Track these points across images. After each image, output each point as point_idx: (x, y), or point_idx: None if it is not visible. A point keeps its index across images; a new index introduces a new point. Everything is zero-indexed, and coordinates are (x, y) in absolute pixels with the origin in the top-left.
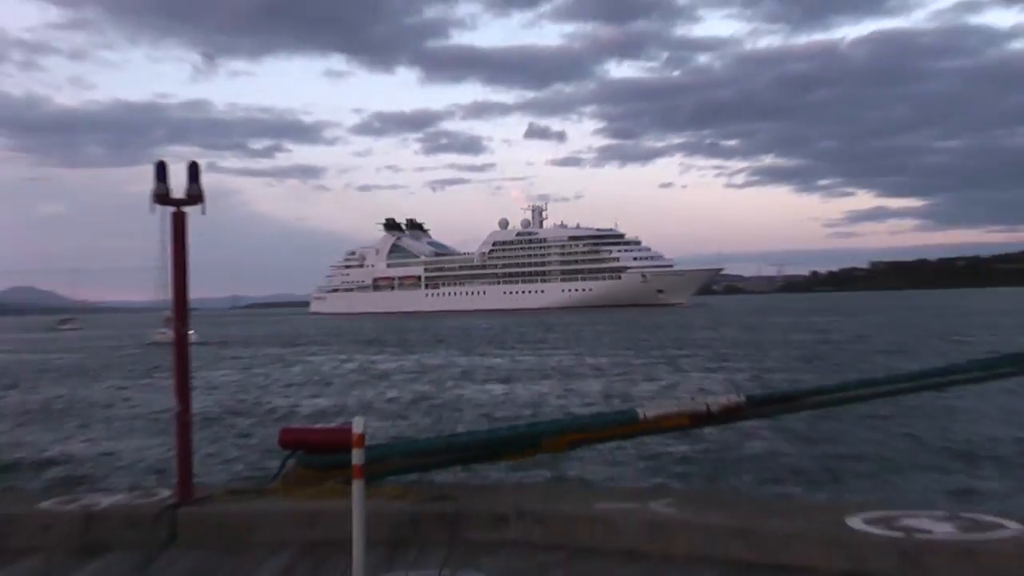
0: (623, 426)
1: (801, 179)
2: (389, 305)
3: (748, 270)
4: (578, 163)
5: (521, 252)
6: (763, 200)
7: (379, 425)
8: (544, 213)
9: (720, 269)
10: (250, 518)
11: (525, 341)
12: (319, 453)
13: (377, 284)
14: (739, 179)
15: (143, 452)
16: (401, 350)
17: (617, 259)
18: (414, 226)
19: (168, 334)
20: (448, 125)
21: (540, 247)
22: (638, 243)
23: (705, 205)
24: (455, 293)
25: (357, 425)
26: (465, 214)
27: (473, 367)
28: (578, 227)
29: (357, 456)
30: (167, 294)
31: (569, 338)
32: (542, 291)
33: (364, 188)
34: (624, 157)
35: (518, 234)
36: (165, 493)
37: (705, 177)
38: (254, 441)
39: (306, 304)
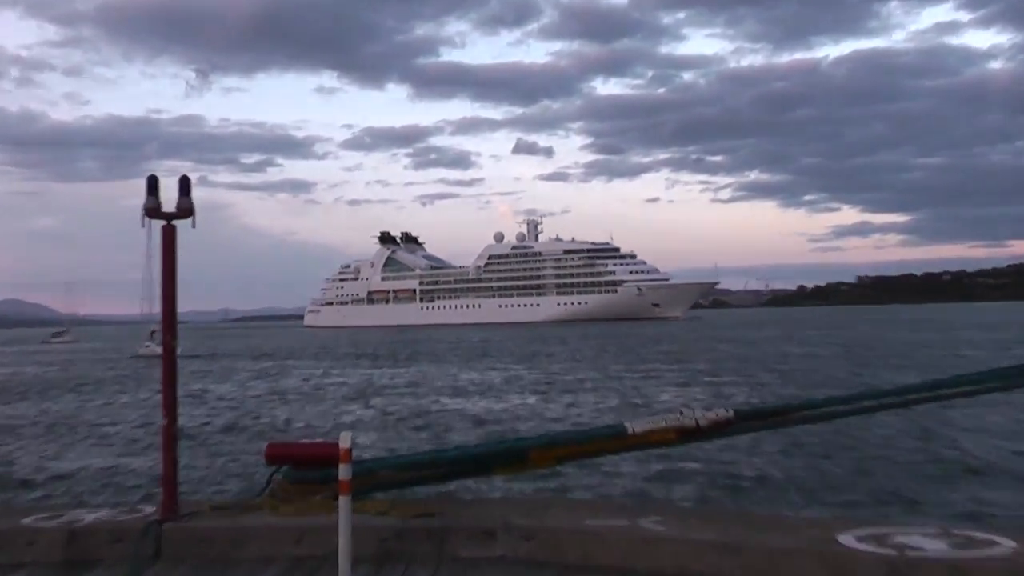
0: (611, 440)
1: (786, 194)
2: (384, 318)
3: (735, 284)
4: (565, 178)
5: (516, 266)
6: (749, 215)
7: (369, 439)
8: (539, 227)
9: (715, 283)
10: (236, 534)
11: (519, 355)
12: (306, 468)
13: (372, 297)
14: (725, 194)
15: (131, 467)
16: (395, 363)
17: (613, 273)
18: (409, 239)
19: (153, 347)
20: (437, 141)
21: (535, 261)
22: (633, 257)
23: (692, 220)
24: (450, 307)
25: (344, 439)
26: (454, 228)
27: (466, 381)
28: (573, 241)
29: (344, 471)
30: (153, 307)
31: (564, 352)
32: (537, 305)
33: (354, 203)
34: (611, 172)
35: (513, 248)
36: (150, 509)
37: (691, 192)
38: (243, 456)
39: (297, 317)
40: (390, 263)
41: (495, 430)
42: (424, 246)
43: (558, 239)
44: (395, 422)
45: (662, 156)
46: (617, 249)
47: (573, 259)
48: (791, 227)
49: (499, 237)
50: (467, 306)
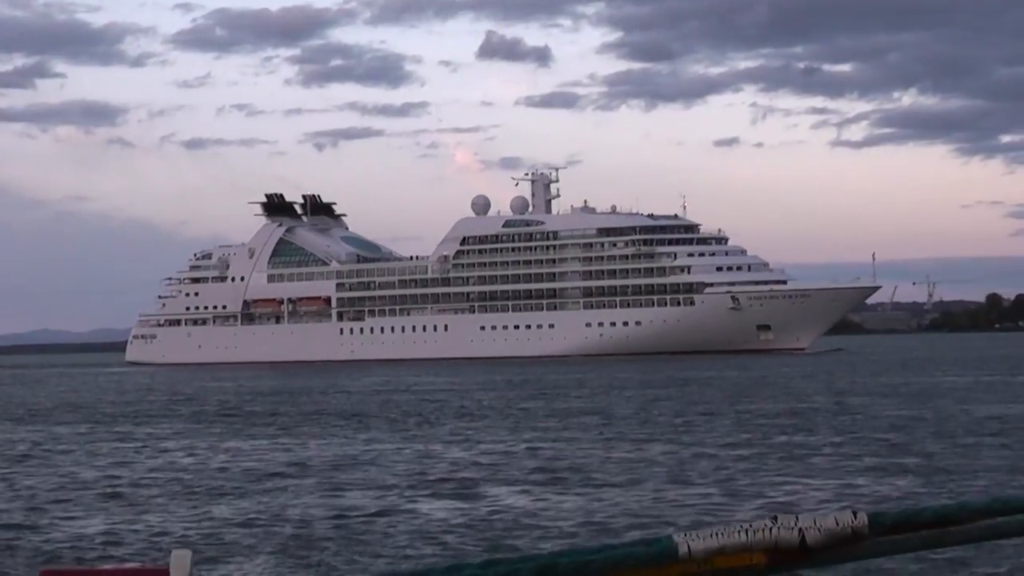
0: (651, 567)
1: (969, 132)
2: (274, 349)
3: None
4: (573, 103)
5: (513, 256)
6: (900, 169)
7: (235, 567)
8: (554, 187)
9: (875, 287)
10: None
11: (516, 417)
12: None
13: (252, 311)
14: (856, 132)
15: None
16: (285, 431)
17: (687, 268)
18: (318, 208)
19: None
20: (344, 34)
21: (548, 247)
22: (723, 240)
23: (795, 177)
24: (392, 328)
25: (178, 563)
26: (380, 190)
27: (419, 464)
28: (615, 212)
29: None
30: None
31: (595, 410)
32: (551, 325)
33: (194, 144)
34: (653, 94)
35: (507, 224)
36: None
37: (796, 129)
38: None
39: (110, 347)
40: (284, 251)
41: (464, 550)
42: (344, 221)
43: (587, 208)
44: (289, 538)
45: (744, 65)
46: (694, 227)
47: (616, 244)
48: (976, 191)
49: (480, 205)
50: (423, 327)
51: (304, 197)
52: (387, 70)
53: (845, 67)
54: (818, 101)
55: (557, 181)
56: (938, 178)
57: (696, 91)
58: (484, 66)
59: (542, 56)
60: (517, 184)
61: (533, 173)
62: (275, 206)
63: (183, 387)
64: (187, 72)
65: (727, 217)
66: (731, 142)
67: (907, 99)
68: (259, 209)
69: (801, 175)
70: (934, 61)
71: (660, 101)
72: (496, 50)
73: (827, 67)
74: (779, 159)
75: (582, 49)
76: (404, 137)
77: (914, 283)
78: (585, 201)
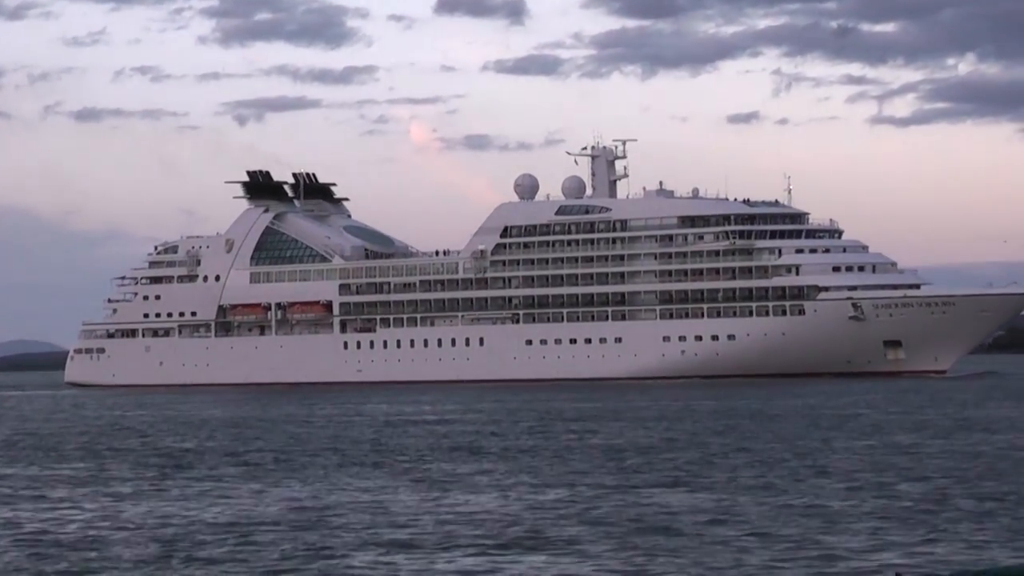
0: None
1: None
2: (257, 367)
3: None
4: (553, 69)
5: (569, 252)
6: (954, 152)
7: None
8: (620, 165)
9: None
10: None
11: (559, 458)
12: None
13: (228, 319)
14: (902, 107)
15: None
16: (262, 475)
17: (795, 268)
18: (314, 190)
19: None
20: None
21: (614, 240)
22: (838, 233)
23: (826, 161)
24: (412, 342)
25: None
26: (331, 174)
27: (445, 523)
28: (697, 196)
29: None
30: None
31: (690, 460)
32: (618, 339)
33: (85, 115)
34: (652, 58)
35: (561, 210)
36: None
37: (828, 102)
38: None
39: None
40: (272, 243)
41: None
42: (346, 206)
43: (663, 191)
44: None
45: (764, 23)
46: (801, 216)
47: (703, 237)
48: None
49: (526, 187)
50: (451, 341)
51: (295, 176)
52: (325, 26)
53: (888, 27)
54: (855, 68)
55: (624, 157)
56: (1003, 164)
57: (705, 55)
58: (444, 22)
59: (515, 11)
60: (576, 161)
61: (593, 148)
62: (259, 186)
63: (137, 418)
64: (77, 27)
65: None
66: (748, 118)
67: (964, 67)
68: (238, 190)
69: (833, 158)
70: (998, 20)
71: (661, 67)
72: (459, 3)
73: (866, 27)
74: (807, 139)
75: (564, 2)
76: (346, 109)
77: (974, 286)
78: (660, 183)
